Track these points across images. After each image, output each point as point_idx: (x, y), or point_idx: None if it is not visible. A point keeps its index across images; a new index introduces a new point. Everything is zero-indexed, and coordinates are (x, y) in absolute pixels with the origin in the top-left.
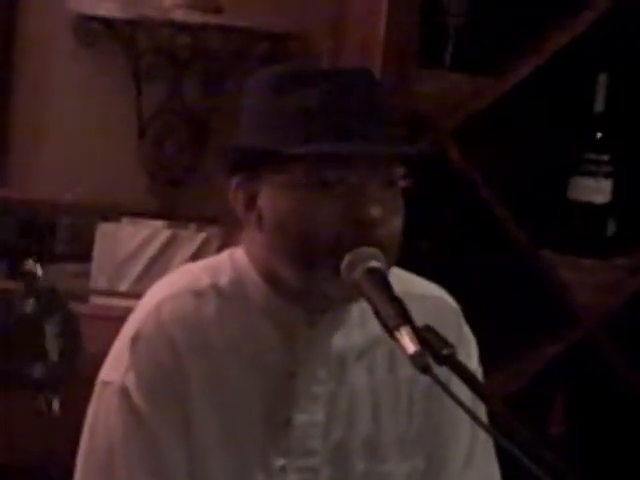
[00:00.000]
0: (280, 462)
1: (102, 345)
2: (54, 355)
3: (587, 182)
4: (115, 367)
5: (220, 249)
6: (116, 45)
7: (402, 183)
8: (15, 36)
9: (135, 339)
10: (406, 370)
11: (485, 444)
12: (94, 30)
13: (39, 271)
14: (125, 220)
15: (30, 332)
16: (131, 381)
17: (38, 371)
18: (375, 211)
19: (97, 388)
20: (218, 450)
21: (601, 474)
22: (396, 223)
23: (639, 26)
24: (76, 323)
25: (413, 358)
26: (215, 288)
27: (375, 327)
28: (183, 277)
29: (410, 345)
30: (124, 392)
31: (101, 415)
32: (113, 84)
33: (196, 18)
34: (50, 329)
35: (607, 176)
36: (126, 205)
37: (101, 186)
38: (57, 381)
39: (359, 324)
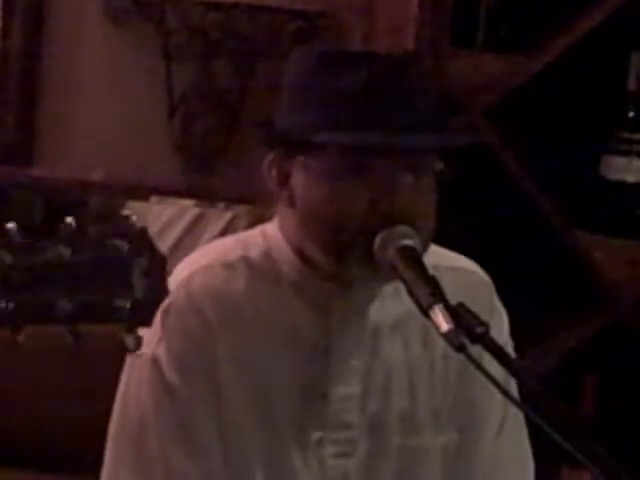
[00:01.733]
0: (317, 435)
1: None
2: (139, 292)
3: (619, 161)
4: (146, 339)
5: (248, 228)
6: (146, 24)
7: (435, 169)
8: (44, 16)
9: (166, 311)
10: (440, 345)
11: (516, 418)
12: (124, 9)
13: (133, 216)
14: (153, 199)
15: (117, 269)
16: (162, 352)
17: (124, 305)
18: (404, 201)
19: (127, 362)
20: (250, 423)
21: (630, 457)
22: (429, 208)
23: None
24: (163, 265)
25: (447, 336)
26: (246, 260)
27: (409, 300)
28: (214, 250)
29: (444, 323)
30: (155, 363)
31: (132, 386)
32: (143, 64)
33: None
34: (137, 268)
35: (639, 155)
36: (155, 184)
37: (130, 166)
38: (140, 317)
39: (393, 296)
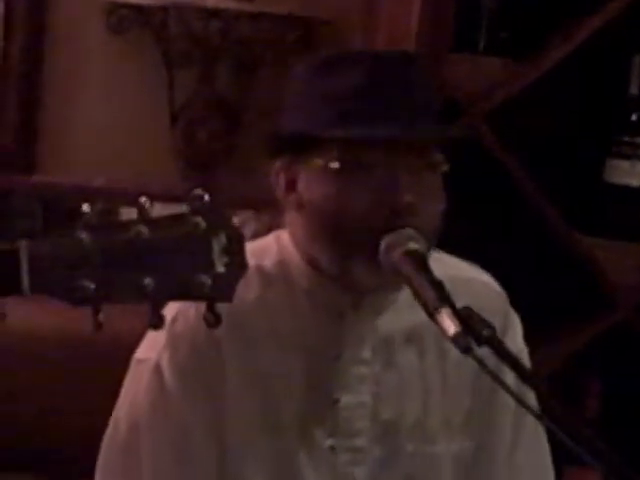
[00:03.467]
0: (329, 442)
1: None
2: (220, 268)
3: (622, 165)
4: (151, 346)
5: (254, 235)
6: (147, 32)
7: (442, 167)
8: (46, 23)
9: (174, 320)
10: (454, 353)
11: (534, 426)
12: (125, 16)
13: (207, 195)
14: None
15: (197, 246)
16: (165, 360)
17: (206, 281)
18: (409, 197)
19: (131, 366)
20: (257, 432)
21: (635, 461)
22: (434, 208)
23: None
24: (241, 241)
25: (454, 339)
26: (259, 270)
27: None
28: None
29: (451, 326)
30: (157, 369)
31: (130, 392)
32: (144, 71)
33: (228, 4)
34: (216, 244)
35: None
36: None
37: (132, 173)
38: (221, 293)
39: (408, 307)
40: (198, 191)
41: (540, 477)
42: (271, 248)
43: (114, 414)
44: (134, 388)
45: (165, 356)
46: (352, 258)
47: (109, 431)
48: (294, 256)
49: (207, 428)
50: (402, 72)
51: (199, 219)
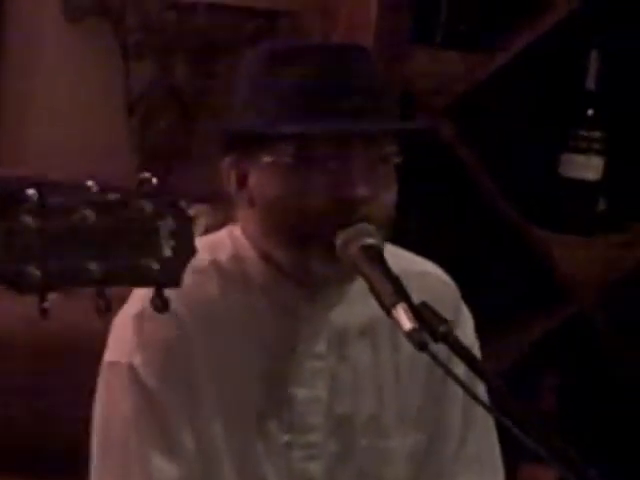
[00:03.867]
0: (285, 438)
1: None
2: (168, 251)
3: (578, 159)
4: (120, 347)
5: (210, 227)
6: (104, 21)
7: (394, 160)
8: (2, 12)
9: (139, 317)
10: (408, 347)
11: (483, 420)
12: (83, 7)
13: (154, 179)
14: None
15: (144, 230)
16: (139, 361)
17: (153, 266)
18: (362, 190)
19: (103, 370)
20: (222, 426)
21: (591, 454)
22: (387, 200)
23: (631, 2)
24: (189, 224)
25: (410, 335)
26: (215, 265)
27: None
28: None
29: (407, 322)
30: (132, 372)
31: (112, 396)
32: (101, 61)
33: None
34: (163, 228)
35: (598, 153)
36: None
37: (89, 164)
38: (169, 278)
39: (361, 299)
40: (145, 175)
41: (489, 470)
42: (225, 243)
43: (98, 414)
44: (114, 391)
45: (138, 357)
46: (308, 252)
47: (99, 432)
48: (248, 251)
49: (186, 418)
50: (351, 65)
51: (146, 202)
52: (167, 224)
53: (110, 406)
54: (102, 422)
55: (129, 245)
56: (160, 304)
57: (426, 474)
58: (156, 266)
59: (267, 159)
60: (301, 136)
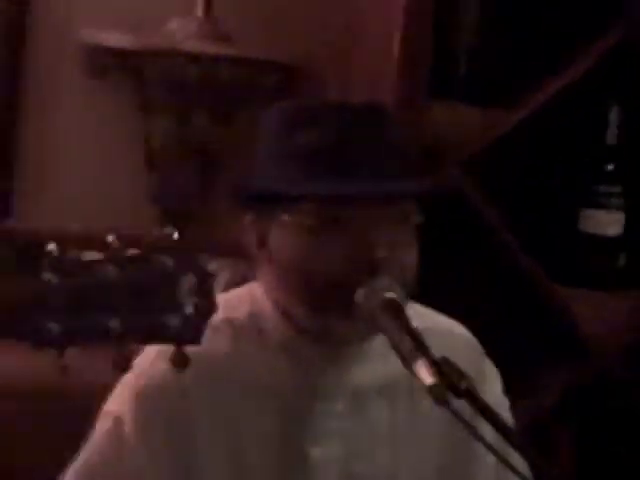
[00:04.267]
0: None
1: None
2: (189, 308)
3: (599, 214)
4: (117, 399)
5: (231, 281)
6: (125, 76)
7: (415, 219)
8: (23, 67)
9: (141, 374)
10: (426, 407)
11: None
12: (103, 61)
13: (175, 233)
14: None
15: (165, 286)
16: (127, 412)
17: (174, 323)
18: (382, 252)
19: (99, 419)
20: None
21: None
22: (408, 259)
23: None
24: (210, 280)
25: (430, 390)
26: (229, 322)
27: (397, 362)
28: None
29: (427, 377)
30: (118, 420)
31: (91, 441)
32: (122, 115)
33: (206, 48)
34: (184, 284)
35: (619, 208)
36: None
37: (109, 217)
38: (190, 335)
39: (381, 359)
40: (167, 229)
41: None
42: (244, 300)
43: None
44: (92, 438)
45: (127, 409)
46: (327, 312)
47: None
48: (267, 308)
49: (166, 476)
50: (371, 125)
51: (167, 258)
52: (188, 280)
53: (85, 450)
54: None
55: (149, 301)
56: (180, 361)
57: None
58: (176, 323)
59: (287, 219)
60: (321, 197)
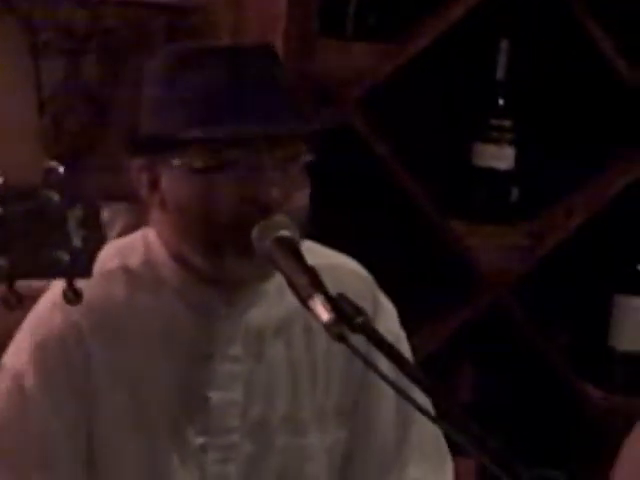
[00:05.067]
0: (199, 440)
1: None
2: (78, 242)
3: (490, 148)
4: (15, 351)
5: (125, 227)
6: (13, 21)
7: (305, 157)
8: None
9: (38, 325)
10: (323, 344)
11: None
12: None
13: (61, 168)
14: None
15: (52, 221)
16: (26, 367)
17: (63, 257)
18: (275, 192)
19: None
20: (127, 430)
21: (508, 442)
22: (300, 198)
23: None
24: (98, 214)
25: (327, 326)
26: (125, 269)
27: (293, 301)
28: None
29: (324, 313)
30: (17, 375)
31: None
32: (11, 61)
33: None
34: (72, 218)
35: (510, 142)
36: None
37: None
38: (80, 269)
39: (277, 299)
40: (52, 164)
41: (436, 457)
42: (138, 247)
43: None
44: None
45: (27, 363)
46: (222, 253)
47: None
48: (162, 255)
49: (73, 430)
50: (259, 66)
51: (53, 192)
52: (76, 214)
53: None
54: None
55: (37, 237)
56: (72, 296)
57: (354, 469)
58: (66, 257)
59: (177, 162)
60: (209, 140)
